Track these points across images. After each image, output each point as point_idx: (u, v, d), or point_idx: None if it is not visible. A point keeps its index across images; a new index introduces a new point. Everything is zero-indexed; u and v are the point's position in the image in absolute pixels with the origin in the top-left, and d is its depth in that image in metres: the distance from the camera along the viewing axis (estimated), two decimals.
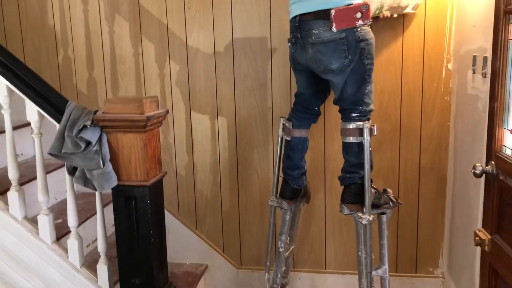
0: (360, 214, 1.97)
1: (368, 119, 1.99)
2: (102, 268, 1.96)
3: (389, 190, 2.12)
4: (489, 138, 1.65)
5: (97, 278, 1.98)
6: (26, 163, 2.66)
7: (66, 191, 2.64)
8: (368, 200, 1.97)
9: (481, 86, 1.94)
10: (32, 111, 1.88)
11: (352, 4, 1.83)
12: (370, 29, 1.89)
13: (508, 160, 1.48)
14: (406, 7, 2.29)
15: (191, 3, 2.58)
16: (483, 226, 1.71)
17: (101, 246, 1.96)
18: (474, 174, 1.62)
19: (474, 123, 2.05)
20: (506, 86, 1.53)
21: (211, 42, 2.61)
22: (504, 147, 1.56)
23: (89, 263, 2.11)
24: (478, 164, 1.61)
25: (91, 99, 2.76)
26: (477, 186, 1.99)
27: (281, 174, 2.26)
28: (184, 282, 2.59)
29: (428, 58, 2.42)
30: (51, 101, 1.86)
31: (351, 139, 1.98)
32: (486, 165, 1.62)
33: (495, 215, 1.60)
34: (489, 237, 1.62)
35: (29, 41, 2.78)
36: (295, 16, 1.95)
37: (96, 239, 2.59)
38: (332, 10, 1.80)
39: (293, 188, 2.20)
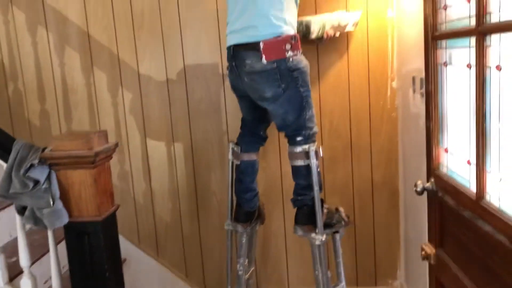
0: (313, 235, 2.01)
1: (314, 142, 2.04)
2: None
3: (341, 208, 2.17)
4: (428, 156, 1.73)
5: None
6: None
7: None
8: (320, 221, 2.01)
9: (421, 105, 2.04)
10: None
11: (280, 36, 1.89)
12: (302, 58, 1.96)
13: (444, 178, 1.56)
14: (346, 25, 2.38)
15: (140, 32, 2.60)
16: (429, 241, 1.78)
17: (55, 284, 1.93)
18: (416, 191, 1.69)
19: (418, 140, 2.14)
20: (439, 107, 1.61)
21: (163, 69, 2.63)
22: (441, 165, 1.64)
23: None
24: (419, 182, 1.69)
25: (44, 131, 2.73)
26: (423, 200, 2.07)
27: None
28: None
29: (373, 77, 2.52)
30: None
31: (299, 162, 2.02)
32: (427, 182, 1.69)
33: (438, 230, 1.68)
34: (434, 251, 1.69)
35: None
36: (230, 46, 2.02)
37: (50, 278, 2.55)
38: (261, 43, 1.87)
39: (247, 211, 2.23)
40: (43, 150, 1.79)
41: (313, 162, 1.99)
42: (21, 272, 2.14)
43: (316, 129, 2.05)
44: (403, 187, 2.52)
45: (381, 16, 2.45)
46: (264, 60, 1.88)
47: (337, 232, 2.12)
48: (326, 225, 2.07)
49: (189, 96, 2.64)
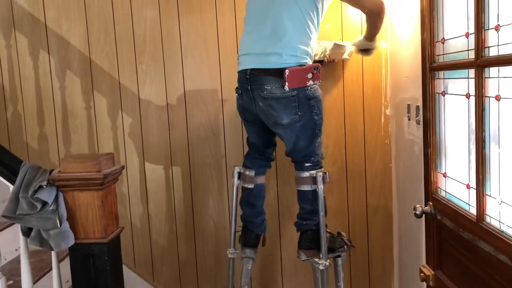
0: (317, 260, 2.04)
1: (321, 167, 2.09)
2: None
3: (343, 233, 2.23)
4: (426, 180, 1.81)
5: None
6: None
7: (15, 250, 2.59)
8: (324, 246, 2.05)
9: (416, 132, 2.13)
10: None
11: (304, 65, 1.95)
12: (318, 87, 2.03)
13: (443, 201, 1.64)
14: (343, 52, 2.46)
15: (142, 58, 2.67)
16: (427, 263, 1.84)
17: None
18: (415, 214, 1.76)
19: (413, 165, 2.23)
20: (437, 133, 1.70)
21: (163, 94, 2.69)
22: (439, 189, 1.72)
23: None
24: (418, 206, 1.76)
25: (42, 155, 2.74)
26: (420, 224, 2.14)
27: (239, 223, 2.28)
28: None
29: (368, 105, 2.62)
30: (4, 162, 1.85)
31: (305, 187, 2.06)
32: (425, 205, 1.77)
33: (436, 251, 1.74)
34: (433, 272, 1.75)
35: None
36: (246, 69, 2.01)
37: None
38: (287, 70, 1.89)
39: (257, 235, 2.22)
40: (51, 172, 1.82)
41: (320, 187, 2.03)
42: None
43: (323, 155, 2.12)
44: (397, 211, 2.59)
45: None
46: (286, 87, 1.91)
47: (339, 256, 2.16)
48: (329, 250, 2.10)
49: (188, 120, 2.70)
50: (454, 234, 1.54)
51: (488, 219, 1.34)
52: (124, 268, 2.63)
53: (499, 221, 1.30)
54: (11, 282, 2.27)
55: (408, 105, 2.21)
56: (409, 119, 2.22)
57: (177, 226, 2.76)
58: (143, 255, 2.79)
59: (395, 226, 2.64)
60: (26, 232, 1.84)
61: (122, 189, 2.75)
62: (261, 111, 2.04)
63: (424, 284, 2.07)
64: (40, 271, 2.45)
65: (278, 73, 1.92)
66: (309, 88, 1.96)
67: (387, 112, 2.60)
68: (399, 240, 2.57)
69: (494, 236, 1.28)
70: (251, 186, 2.21)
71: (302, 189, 2.07)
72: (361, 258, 2.71)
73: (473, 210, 1.41)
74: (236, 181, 2.26)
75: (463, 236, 1.48)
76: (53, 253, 1.91)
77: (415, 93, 2.09)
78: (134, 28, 2.65)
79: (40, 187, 1.75)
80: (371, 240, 2.69)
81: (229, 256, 2.26)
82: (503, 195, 1.28)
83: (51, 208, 1.75)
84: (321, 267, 2.03)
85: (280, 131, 2.06)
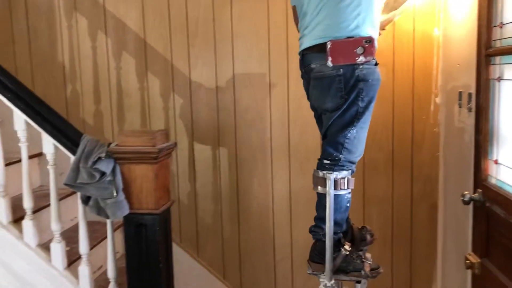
0: (322, 277, 1.78)
1: (342, 170, 1.73)
2: None
3: (368, 255, 1.85)
4: (476, 168, 1.79)
5: None
6: (34, 192, 2.74)
7: (70, 220, 2.75)
8: (329, 263, 1.74)
9: (467, 120, 2.10)
10: (48, 144, 1.99)
11: (352, 37, 1.64)
12: (376, 69, 1.69)
13: (493, 189, 1.62)
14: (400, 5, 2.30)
15: (194, 41, 2.75)
16: (473, 250, 1.83)
17: (110, 272, 2.04)
18: (463, 201, 1.75)
19: (462, 154, 2.20)
20: (489, 120, 1.68)
21: (213, 77, 2.76)
22: (489, 176, 1.70)
23: None
24: (466, 192, 1.74)
25: (97, 131, 2.88)
26: (466, 212, 2.12)
27: None
28: None
29: (417, 92, 2.59)
30: (67, 134, 1.98)
31: (319, 189, 1.76)
32: (474, 193, 1.75)
33: (484, 239, 1.73)
34: (479, 260, 1.74)
35: (39, 77, 2.91)
36: (300, 51, 1.82)
37: (100, 267, 2.67)
38: (329, 42, 1.63)
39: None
40: (109, 145, 1.92)
41: (331, 193, 1.71)
42: (74, 261, 2.27)
43: (355, 158, 1.76)
44: (443, 200, 2.56)
45: (428, 34, 2.53)
46: (329, 63, 1.63)
47: (358, 282, 1.81)
48: (340, 270, 1.79)
49: (236, 103, 2.76)
50: (504, 222, 1.53)
51: None
52: None
53: None
54: (68, 248, 2.42)
55: (460, 92, 2.18)
56: (460, 107, 2.19)
57: (222, 205, 2.84)
58: (189, 232, 2.89)
59: (440, 215, 2.62)
60: (85, 201, 1.97)
61: (172, 167, 2.85)
62: (310, 95, 1.83)
63: (468, 272, 2.06)
64: (93, 240, 2.59)
65: (322, 49, 1.66)
66: (360, 67, 1.63)
67: (437, 100, 2.56)
68: (443, 228, 2.55)
69: None
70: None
71: (315, 190, 1.79)
72: (404, 246, 2.70)
73: None
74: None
75: None
76: (108, 222, 2.03)
77: (468, 80, 2.06)
78: (188, 12, 2.73)
79: (99, 158, 1.86)
80: (414, 228, 2.68)
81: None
82: None
83: (108, 178, 1.86)
84: (320, 287, 1.75)
85: (324, 117, 1.76)
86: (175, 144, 2.05)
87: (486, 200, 1.67)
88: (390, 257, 2.72)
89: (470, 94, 2.04)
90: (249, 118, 2.76)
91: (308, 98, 1.88)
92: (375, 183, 2.68)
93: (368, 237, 1.88)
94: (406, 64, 2.58)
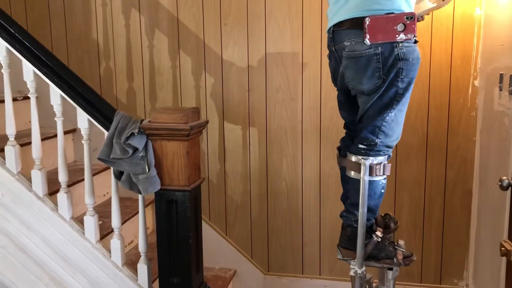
0: (352, 263, 1.75)
1: (378, 155, 1.66)
2: (143, 267, 2.08)
3: (401, 242, 1.79)
4: None
5: (137, 276, 2.10)
6: (68, 167, 2.81)
7: (103, 196, 2.81)
8: (360, 250, 1.70)
9: (508, 103, 2.02)
10: (83, 119, 2.03)
11: (393, 13, 1.52)
12: (416, 47, 1.59)
13: None
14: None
15: (227, 20, 2.73)
16: (509, 237, 1.77)
17: (142, 247, 2.08)
18: (501, 186, 1.69)
19: (500, 138, 2.13)
20: None
21: (245, 56, 2.74)
22: None
23: (128, 263, 2.23)
24: (504, 177, 1.68)
25: (130, 108, 2.92)
26: (503, 198, 2.06)
27: None
28: (214, 286, 2.70)
29: (455, 75, 2.51)
30: (100, 110, 2.01)
31: (352, 174, 1.71)
32: None
33: None
34: None
35: (73, 54, 2.96)
36: (330, 28, 1.72)
37: (131, 242, 2.73)
38: (367, 19, 1.51)
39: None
40: (141, 121, 1.94)
41: (366, 179, 1.65)
42: (106, 235, 2.32)
43: (393, 142, 1.68)
44: (477, 186, 2.49)
45: (468, 14, 2.44)
46: (367, 41, 1.52)
47: (390, 269, 1.78)
48: (372, 257, 1.75)
49: (267, 83, 2.74)
50: None
51: None
52: None
53: None
54: (100, 222, 2.48)
55: (501, 74, 2.09)
56: (500, 90, 2.11)
57: (251, 185, 2.85)
58: (217, 210, 2.92)
59: (474, 202, 2.55)
60: (118, 175, 2.00)
61: (202, 146, 2.87)
62: (340, 76, 1.71)
63: (503, 259, 2.01)
64: (125, 215, 2.65)
65: (358, 24, 1.54)
66: (399, 45, 1.52)
67: (476, 83, 2.47)
68: (477, 214, 2.49)
69: None
70: (340, 166, 1.89)
71: (349, 175, 1.74)
72: (435, 231, 2.65)
73: None
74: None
75: None
76: (140, 197, 2.07)
77: (510, 62, 1.97)
78: None
79: (132, 134, 1.88)
80: (447, 214, 2.62)
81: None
82: None
83: (141, 154, 1.89)
84: (351, 273, 1.72)
85: (359, 99, 1.66)
86: (207, 121, 2.05)
87: None
88: (420, 244, 2.67)
89: (511, 76, 1.96)
90: (280, 98, 2.74)
91: (334, 79, 1.83)
92: (408, 167, 2.63)
93: (392, 224, 1.84)
94: (444, 45, 2.50)
